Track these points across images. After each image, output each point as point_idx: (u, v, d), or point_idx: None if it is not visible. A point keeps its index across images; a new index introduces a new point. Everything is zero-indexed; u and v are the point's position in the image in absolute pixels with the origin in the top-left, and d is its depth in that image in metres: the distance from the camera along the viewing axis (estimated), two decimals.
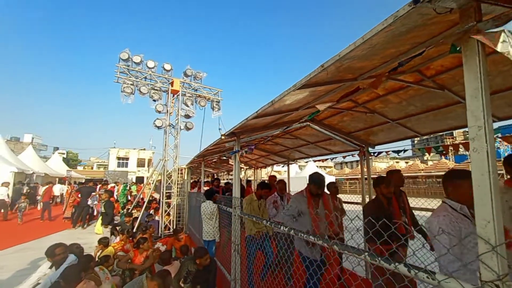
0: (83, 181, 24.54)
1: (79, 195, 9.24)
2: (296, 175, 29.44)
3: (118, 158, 36.26)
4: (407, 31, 1.24)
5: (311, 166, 28.20)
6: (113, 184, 13.23)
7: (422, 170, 26.07)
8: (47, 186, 11.26)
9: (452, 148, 4.04)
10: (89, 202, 9.22)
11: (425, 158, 47.57)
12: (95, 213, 10.05)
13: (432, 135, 3.93)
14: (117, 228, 5.69)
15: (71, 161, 47.67)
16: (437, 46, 1.10)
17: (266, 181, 5.97)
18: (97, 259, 3.83)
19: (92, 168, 42.41)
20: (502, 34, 0.81)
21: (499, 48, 0.80)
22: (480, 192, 0.86)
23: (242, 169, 12.21)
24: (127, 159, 36.99)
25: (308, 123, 4.12)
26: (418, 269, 1.03)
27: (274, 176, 5.83)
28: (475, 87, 0.91)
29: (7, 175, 12.17)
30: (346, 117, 3.83)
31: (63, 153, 45.69)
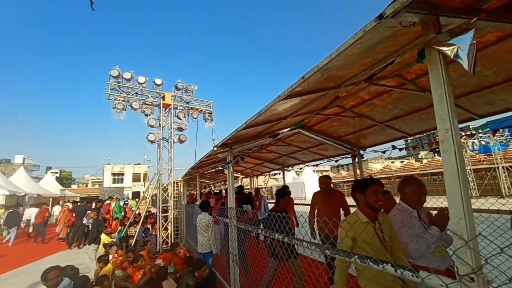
0: (78, 199, 24.12)
1: (74, 215, 9.07)
2: (293, 180, 29.47)
3: (113, 174, 35.75)
4: (379, 42, 1.32)
5: (307, 171, 28.30)
6: (108, 201, 13.00)
7: (417, 168, 26.34)
8: (38, 208, 10.96)
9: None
10: (84, 221, 9.03)
11: (419, 156, 48.20)
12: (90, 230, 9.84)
13: (424, 134, 4.05)
14: (114, 246, 5.58)
15: (64, 180, 46.75)
16: (403, 55, 1.17)
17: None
18: (93, 280, 3.75)
19: (87, 186, 41.64)
20: (456, 45, 0.89)
21: (453, 57, 0.88)
22: (451, 190, 0.92)
23: (238, 178, 12.18)
24: (122, 174, 36.49)
25: (299, 129, 4.20)
26: (403, 268, 1.07)
27: (327, 177, 4.08)
28: (440, 93, 0.98)
29: None
30: (335, 122, 3.92)
31: (56, 173, 44.81)
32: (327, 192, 3.95)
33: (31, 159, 43.36)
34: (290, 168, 7.79)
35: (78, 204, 10.46)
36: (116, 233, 8.57)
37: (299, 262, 3.02)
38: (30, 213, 10.53)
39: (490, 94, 2.65)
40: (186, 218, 7.75)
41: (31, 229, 10.44)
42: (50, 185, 23.76)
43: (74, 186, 40.94)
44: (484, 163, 19.82)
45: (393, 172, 28.35)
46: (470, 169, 19.18)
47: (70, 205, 11.37)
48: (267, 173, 9.95)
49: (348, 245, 1.74)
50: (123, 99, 6.81)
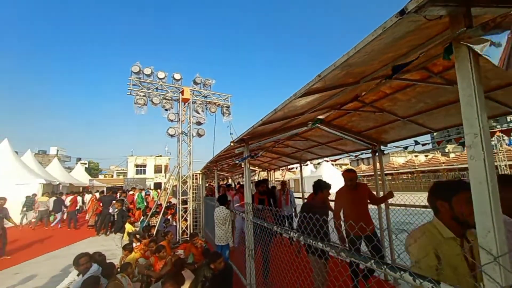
0: (104, 189, 25.66)
1: (101, 204, 9.69)
2: (311, 174, 29.12)
3: (136, 166, 37.50)
4: (401, 36, 1.23)
5: (326, 165, 27.79)
6: (131, 192, 13.70)
7: (443, 163, 24.97)
8: (72, 196, 11.90)
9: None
10: (110, 210, 9.61)
11: (446, 150, 45.43)
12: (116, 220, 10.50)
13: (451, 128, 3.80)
14: (137, 236, 5.90)
15: (92, 170, 49.87)
16: (429, 48, 1.09)
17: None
18: (118, 266, 4.01)
19: (112, 176, 44.14)
20: (489, 41, 0.80)
21: (485, 54, 0.80)
22: (479, 200, 0.85)
23: (256, 171, 12.27)
24: (145, 166, 38.18)
25: (317, 124, 4.11)
26: (423, 278, 1.02)
27: (353, 171, 3.72)
28: (468, 94, 0.90)
29: (36, 187, 12.97)
30: (355, 117, 3.78)
31: (85, 163, 47.92)
32: (352, 188, 3.53)
33: (63, 151, 46.59)
34: (308, 162, 7.66)
35: (105, 194, 11.13)
36: (139, 223, 9.03)
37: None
38: (66, 201, 11.54)
39: None
40: (205, 210, 7.98)
41: (65, 216, 11.37)
42: (80, 175, 25.50)
43: (101, 177, 43.57)
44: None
45: (416, 167, 27.08)
46: (505, 165, 17.83)
47: (97, 195, 12.13)
48: (284, 167, 9.91)
49: (432, 265, 1.23)
50: (144, 94, 7.04)
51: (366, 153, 5.05)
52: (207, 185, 11.40)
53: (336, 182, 5.11)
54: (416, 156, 30.20)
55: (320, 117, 3.20)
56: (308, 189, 6.40)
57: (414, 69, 2.30)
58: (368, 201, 3.61)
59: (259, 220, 2.91)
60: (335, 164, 33.89)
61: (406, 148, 3.89)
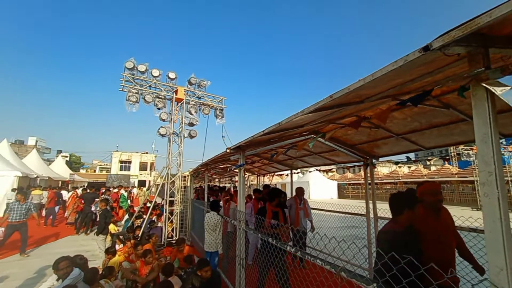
0: (86, 184, 24.71)
1: (82, 202, 9.31)
2: (298, 179, 29.36)
3: (121, 162, 36.43)
4: (416, 66, 1.27)
5: (313, 171, 28.12)
6: (116, 190, 13.26)
7: (425, 175, 25.90)
8: (50, 191, 11.39)
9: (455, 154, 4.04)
10: (93, 208, 9.26)
11: (427, 163, 47.25)
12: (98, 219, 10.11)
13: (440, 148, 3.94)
14: (120, 237, 5.70)
15: (74, 164, 47.89)
16: (433, 79, 1.11)
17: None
18: (101, 270, 3.84)
19: (94, 171, 42.59)
20: (509, 86, 0.83)
21: (505, 99, 0.83)
22: (492, 238, 0.87)
23: (246, 175, 12.23)
24: (130, 162, 37.16)
25: (312, 135, 4.15)
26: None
27: (438, 186, 2.61)
28: (485, 132, 0.93)
29: (11, 179, 12.27)
30: (350, 131, 3.85)
31: (66, 156, 45.94)
32: (435, 212, 2.25)
33: (43, 142, 44.47)
34: (298, 170, 7.72)
35: (87, 190, 10.72)
36: (123, 222, 8.75)
37: None
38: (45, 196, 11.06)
39: None
40: (192, 213, 7.84)
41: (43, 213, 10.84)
42: (60, 169, 24.39)
43: (82, 171, 41.92)
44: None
45: (400, 178, 27.97)
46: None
47: (79, 192, 11.66)
48: (274, 173, 9.94)
49: None
50: (136, 91, 6.86)
51: (357, 165, 5.16)
52: (195, 186, 11.23)
53: (322, 189, 5.22)
54: (400, 167, 31.18)
55: (318, 130, 3.22)
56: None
57: (415, 91, 2.37)
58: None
59: (279, 243, 2.14)
60: (321, 170, 34.38)
61: (397, 163, 3.98)
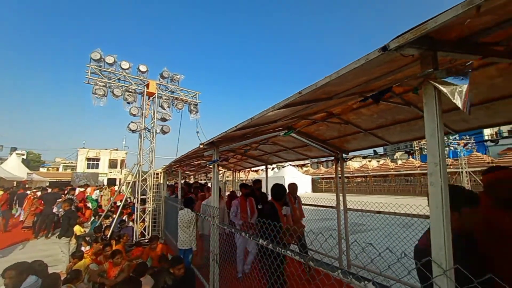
0: (47, 184, 22.75)
1: (42, 203, 8.59)
2: (274, 174, 29.87)
3: (88, 159, 34.12)
4: (377, 65, 1.35)
5: (288, 166, 28.75)
6: (82, 189, 12.40)
7: (392, 169, 27.77)
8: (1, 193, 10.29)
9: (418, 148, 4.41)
10: (55, 210, 8.58)
11: (394, 157, 50.67)
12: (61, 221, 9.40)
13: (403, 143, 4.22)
14: (87, 239, 5.38)
15: (32, 162, 43.83)
16: (397, 75, 1.20)
17: None
18: (67, 275, 3.60)
19: (57, 170, 39.40)
20: (453, 84, 0.93)
21: (449, 95, 0.92)
22: (435, 222, 0.97)
23: (220, 172, 12.13)
24: (98, 160, 34.94)
25: (285, 130, 4.23)
26: (384, 287, 1.13)
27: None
28: (433, 127, 1.02)
29: None
30: (322, 127, 3.99)
31: (23, 154, 41.90)
32: (507, 209, 1.61)
33: None
34: (274, 165, 7.84)
35: (48, 191, 9.90)
36: (89, 223, 8.24)
37: None
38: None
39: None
40: (165, 211, 7.63)
41: None
42: (15, 168, 22.15)
43: (43, 170, 38.58)
44: (451, 167, 21.34)
45: (370, 171, 29.66)
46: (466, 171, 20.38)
47: (38, 192, 10.73)
48: (249, 169, 9.99)
49: None
50: (104, 84, 6.43)
51: (329, 159, 5.38)
52: (168, 183, 10.91)
53: (297, 183, 5.31)
54: (369, 161, 33.05)
55: (291, 126, 3.30)
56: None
57: (379, 89, 2.52)
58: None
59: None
60: (296, 165, 35.31)
61: (365, 157, 4.22)
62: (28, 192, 11.71)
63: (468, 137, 21.70)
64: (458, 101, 0.90)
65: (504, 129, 28.65)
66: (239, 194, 5.66)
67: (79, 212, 9.23)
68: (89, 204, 11.35)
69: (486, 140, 22.34)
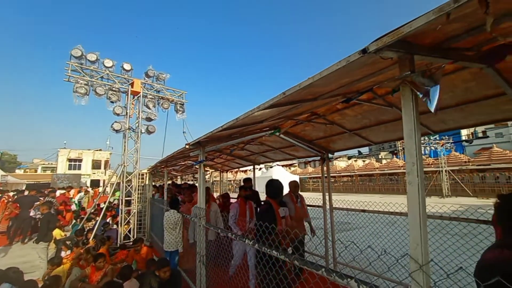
0: (24, 187, 21.64)
1: (17, 206, 8.15)
2: (262, 174, 29.93)
3: (69, 160, 32.80)
4: (359, 67, 1.38)
5: (277, 167, 28.92)
6: (63, 191, 11.91)
7: (377, 168, 28.56)
8: None
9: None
10: (32, 214, 8.16)
11: (379, 157, 52.15)
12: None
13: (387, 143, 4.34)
14: (67, 243, 5.16)
15: (7, 163, 41.62)
16: (378, 77, 1.24)
17: None
18: (45, 281, 3.45)
19: (36, 171, 37.58)
20: (427, 86, 0.97)
21: (422, 96, 0.96)
22: (412, 219, 1.01)
23: (208, 172, 12.03)
24: (80, 160, 33.67)
25: (272, 131, 4.26)
26: (366, 284, 1.16)
27: None
28: (410, 128, 1.06)
29: None
30: (308, 127, 4.05)
31: None
32: None
33: None
34: (261, 166, 7.86)
35: (25, 193, 9.42)
36: (70, 227, 7.94)
37: None
38: None
39: (444, 114, 2.95)
40: (151, 212, 7.47)
41: None
42: None
43: (19, 171, 36.70)
44: (432, 166, 22.25)
45: (355, 171, 30.36)
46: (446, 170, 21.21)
47: (11, 194, 10.20)
48: (237, 169, 9.97)
49: None
50: (86, 83, 6.19)
51: (315, 159, 5.46)
52: (157, 184, 10.68)
53: (285, 183, 5.33)
54: (355, 161, 33.83)
55: (278, 126, 3.32)
56: (259, 189, 6.52)
57: (364, 90, 2.59)
58: None
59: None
60: (284, 165, 35.59)
61: (350, 158, 4.31)
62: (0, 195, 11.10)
63: (447, 137, 22.68)
64: (428, 102, 0.94)
65: (479, 130, 30.26)
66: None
67: (59, 215, 8.85)
68: (73, 207, 10.91)
69: (462, 141, 23.47)
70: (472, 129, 29.78)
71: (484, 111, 2.67)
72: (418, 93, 0.99)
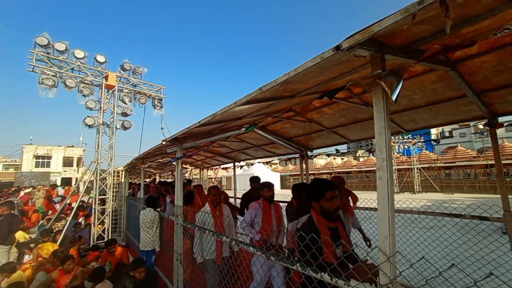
0: None
1: None
2: (243, 172, 29.93)
3: (36, 157, 30.61)
4: (334, 64, 1.41)
5: (258, 164, 29.11)
6: (28, 190, 11.09)
7: (355, 166, 29.68)
8: None
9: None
10: None
11: (357, 155, 54.22)
12: None
13: (363, 140, 4.49)
14: (31, 245, 4.81)
15: None
16: (353, 75, 1.27)
17: None
18: None
19: None
20: (394, 83, 1.00)
21: (390, 93, 1.00)
22: (382, 213, 1.05)
23: (187, 169, 11.80)
24: (49, 157, 31.54)
25: (253, 128, 4.25)
26: (338, 277, 1.19)
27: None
28: (381, 125, 1.09)
29: None
30: (287, 124, 4.09)
31: None
32: None
33: None
34: (242, 163, 7.83)
35: None
36: (36, 228, 7.41)
37: None
38: None
39: (415, 114, 3.11)
40: (127, 211, 7.19)
41: None
42: None
43: None
44: (405, 164, 23.54)
45: (334, 168, 31.33)
46: (394, 169, 22.45)
47: None
48: (218, 167, 9.86)
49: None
50: (54, 74, 5.77)
51: (295, 157, 5.54)
52: (133, 181, 10.28)
53: (266, 180, 5.35)
54: (334, 159, 34.88)
55: (257, 123, 3.31)
56: (239, 187, 6.48)
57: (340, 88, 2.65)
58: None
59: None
60: (265, 163, 35.89)
61: (328, 155, 4.42)
62: None
63: (419, 137, 24.07)
64: (393, 96, 0.98)
65: (446, 130, 32.48)
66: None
67: (24, 217, 8.24)
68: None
69: (431, 140, 25.06)
70: (440, 129, 31.89)
71: (448, 112, 2.85)
72: (386, 89, 1.02)
